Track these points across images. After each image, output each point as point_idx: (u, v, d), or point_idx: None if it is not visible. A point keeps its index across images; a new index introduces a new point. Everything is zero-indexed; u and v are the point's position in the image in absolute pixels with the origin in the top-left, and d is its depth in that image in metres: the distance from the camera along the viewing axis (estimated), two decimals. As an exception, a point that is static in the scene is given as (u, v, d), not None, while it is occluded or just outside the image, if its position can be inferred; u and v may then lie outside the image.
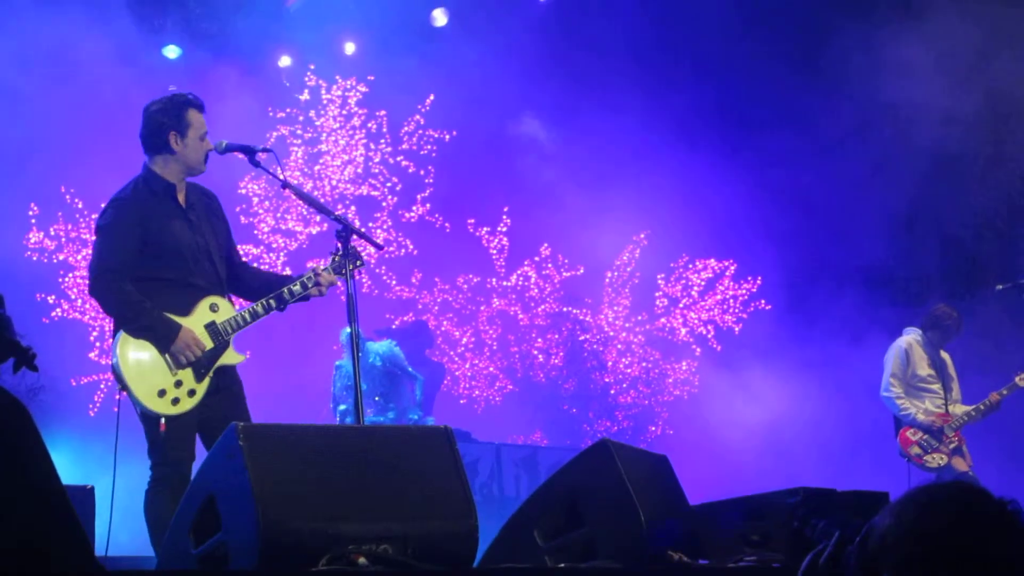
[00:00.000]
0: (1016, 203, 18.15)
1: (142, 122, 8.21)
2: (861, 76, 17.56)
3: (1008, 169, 18.21)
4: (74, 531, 3.04)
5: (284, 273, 8.88)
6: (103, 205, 8.28)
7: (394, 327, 18.08)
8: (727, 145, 18.52)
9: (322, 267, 8.31)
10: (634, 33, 18.47)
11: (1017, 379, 12.83)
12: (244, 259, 8.84)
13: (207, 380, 7.86)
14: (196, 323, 7.85)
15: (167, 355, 7.71)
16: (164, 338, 7.71)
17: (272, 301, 8.16)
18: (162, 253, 7.91)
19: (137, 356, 7.64)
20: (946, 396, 13.01)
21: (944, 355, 13.17)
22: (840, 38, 17.82)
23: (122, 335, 7.64)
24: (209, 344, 7.86)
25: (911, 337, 13.07)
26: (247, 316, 8.07)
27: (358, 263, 8.26)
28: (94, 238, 8.01)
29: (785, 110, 18.24)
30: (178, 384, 7.71)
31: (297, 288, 8.20)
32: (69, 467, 13.64)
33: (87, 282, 7.92)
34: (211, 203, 8.46)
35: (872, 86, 17.45)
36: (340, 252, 8.22)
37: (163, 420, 7.63)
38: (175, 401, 7.67)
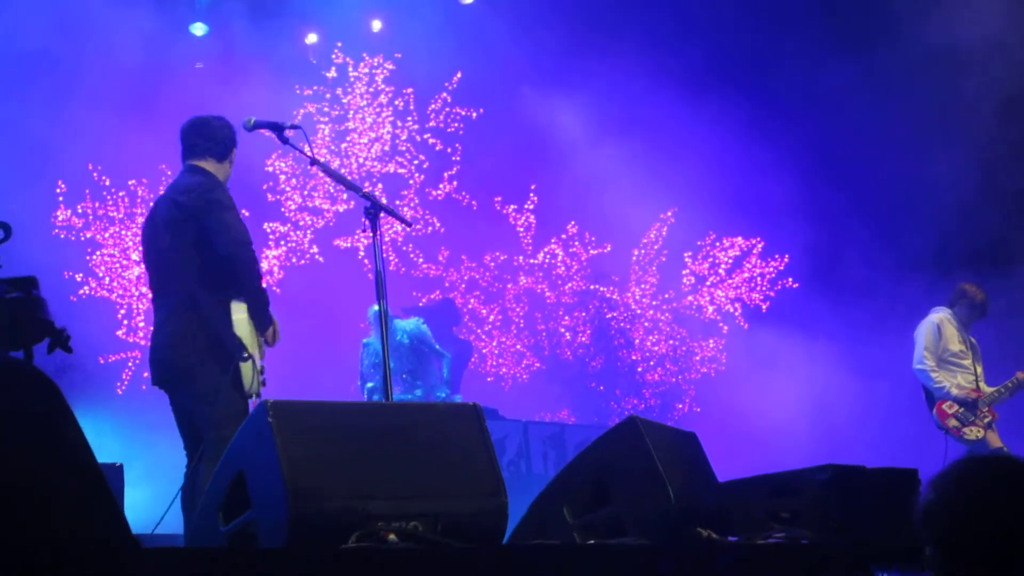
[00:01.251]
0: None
1: (207, 128, 8.35)
2: (905, 28, 17.36)
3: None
4: (110, 507, 3.05)
5: None
6: (182, 186, 8.22)
7: (421, 305, 18.10)
8: (756, 122, 18.42)
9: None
10: (663, 8, 18.39)
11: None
12: None
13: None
14: None
15: (261, 337, 7.97)
16: (267, 320, 7.98)
17: None
18: None
19: (252, 330, 7.83)
20: (976, 372, 12.97)
21: (971, 338, 13.13)
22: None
23: (245, 306, 7.81)
24: None
25: (942, 314, 13.00)
26: None
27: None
28: (212, 211, 7.92)
29: (817, 78, 18.15)
30: (263, 368, 7.95)
31: None
32: (97, 445, 13.67)
33: (225, 250, 7.84)
34: None
35: (922, 34, 17.20)
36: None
37: (254, 399, 7.80)
38: (262, 383, 7.91)
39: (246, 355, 7.64)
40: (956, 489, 3.08)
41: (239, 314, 7.74)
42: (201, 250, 7.87)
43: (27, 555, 2.70)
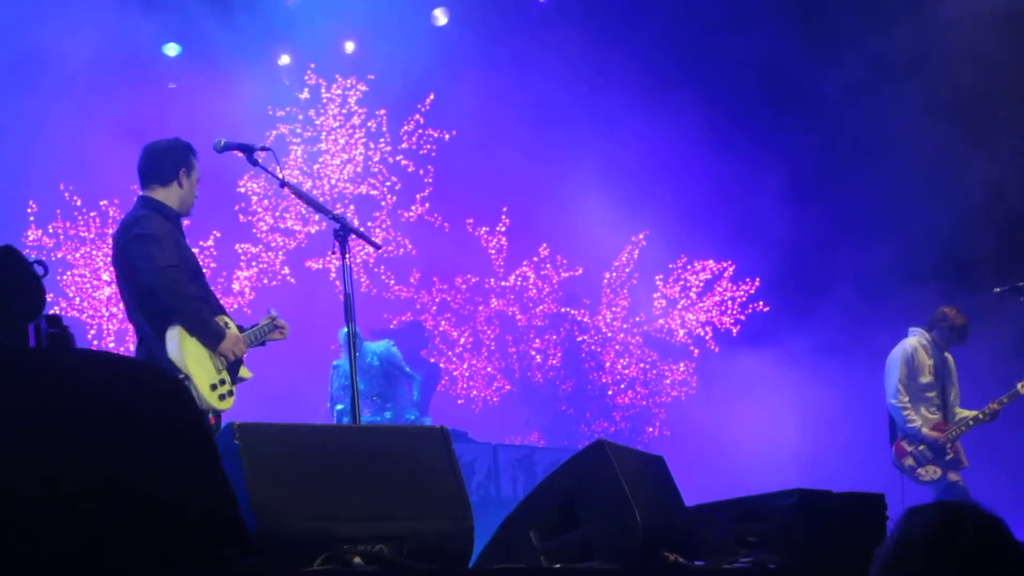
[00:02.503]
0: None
1: (149, 156, 8.50)
2: (881, 30, 17.40)
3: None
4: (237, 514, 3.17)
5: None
6: (119, 224, 8.41)
7: (392, 327, 18.09)
8: (727, 146, 18.47)
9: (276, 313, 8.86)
10: (636, 33, 18.44)
11: (1020, 386, 12.74)
12: None
13: (234, 387, 8.19)
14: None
15: (214, 354, 8.04)
16: (216, 336, 8.07)
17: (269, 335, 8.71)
18: (187, 270, 8.17)
19: (193, 349, 7.98)
20: (944, 402, 12.91)
21: (947, 355, 13.04)
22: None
23: (179, 329, 7.92)
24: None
25: (916, 339, 12.88)
26: (252, 338, 8.49)
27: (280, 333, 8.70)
28: (132, 247, 8.08)
29: (791, 90, 18.23)
30: (222, 383, 8.07)
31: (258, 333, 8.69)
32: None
33: (142, 282, 8.03)
34: None
35: (898, 37, 17.23)
36: (261, 324, 8.62)
37: (212, 415, 7.97)
38: (222, 397, 8.05)
39: (181, 376, 7.72)
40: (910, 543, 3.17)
41: (170, 336, 7.84)
42: (133, 285, 8.02)
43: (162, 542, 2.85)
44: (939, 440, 12.58)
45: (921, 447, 12.64)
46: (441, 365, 18.99)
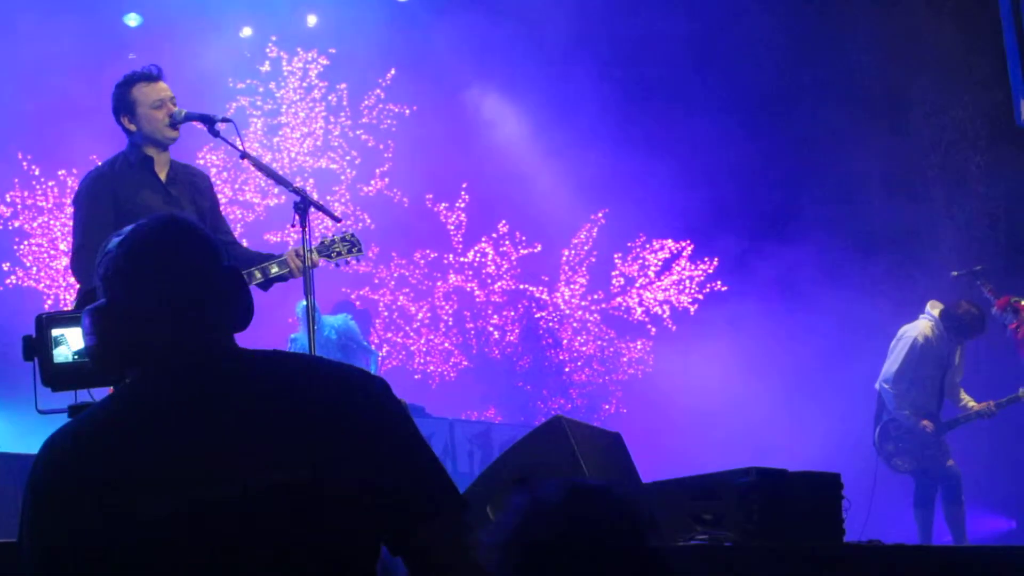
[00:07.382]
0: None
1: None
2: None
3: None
4: None
5: (266, 253, 8.64)
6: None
7: (353, 299, 18.08)
8: (687, 122, 18.43)
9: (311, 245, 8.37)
10: (594, 6, 18.37)
11: (1021, 391, 12.72)
12: (233, 239, 8.81)
13: None
14: None
15: None
16: None
17: (257, 273, 8.11)
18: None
19: None
20: (941, 389, 12.76)
21: (962, 343, 12.76)
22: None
23: None
24: None
25: (927, 326, 12.63)
26: None
27: (356, 251, 8.42)
28: (72, 210, 8.02)
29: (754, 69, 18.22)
30: None
31: (275, 269, 8.20)
32: (20, 439, 13.53)
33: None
34: (197, 182, 8.42)
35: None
36: (334, 237, 8.33)
37: None
38: None
39: None
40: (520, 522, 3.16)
41: None
42: None
43: None
44: (928, 430, 12.53)
45: (905, 435, 12.61)
46: (382, 350, 18.92)
